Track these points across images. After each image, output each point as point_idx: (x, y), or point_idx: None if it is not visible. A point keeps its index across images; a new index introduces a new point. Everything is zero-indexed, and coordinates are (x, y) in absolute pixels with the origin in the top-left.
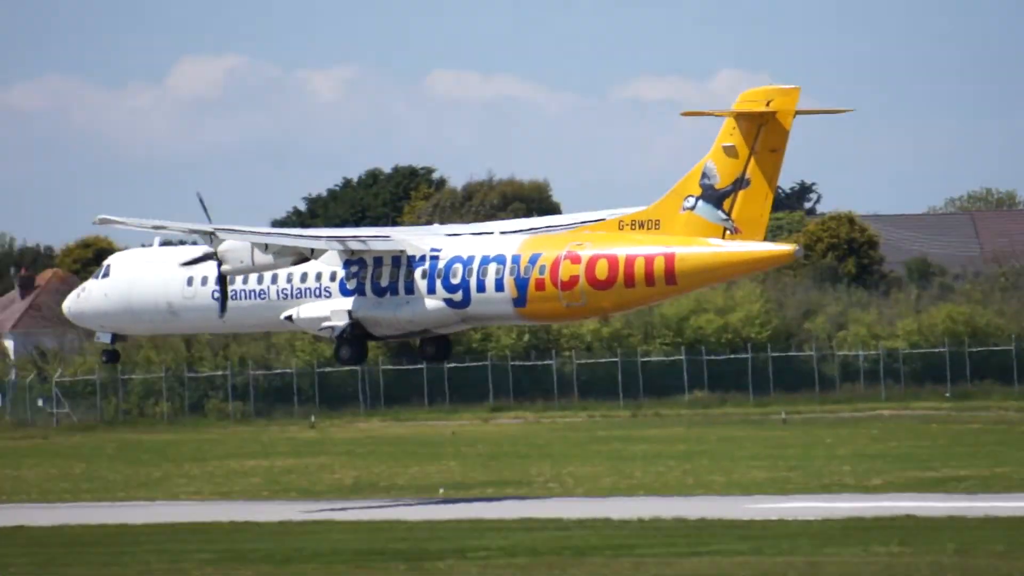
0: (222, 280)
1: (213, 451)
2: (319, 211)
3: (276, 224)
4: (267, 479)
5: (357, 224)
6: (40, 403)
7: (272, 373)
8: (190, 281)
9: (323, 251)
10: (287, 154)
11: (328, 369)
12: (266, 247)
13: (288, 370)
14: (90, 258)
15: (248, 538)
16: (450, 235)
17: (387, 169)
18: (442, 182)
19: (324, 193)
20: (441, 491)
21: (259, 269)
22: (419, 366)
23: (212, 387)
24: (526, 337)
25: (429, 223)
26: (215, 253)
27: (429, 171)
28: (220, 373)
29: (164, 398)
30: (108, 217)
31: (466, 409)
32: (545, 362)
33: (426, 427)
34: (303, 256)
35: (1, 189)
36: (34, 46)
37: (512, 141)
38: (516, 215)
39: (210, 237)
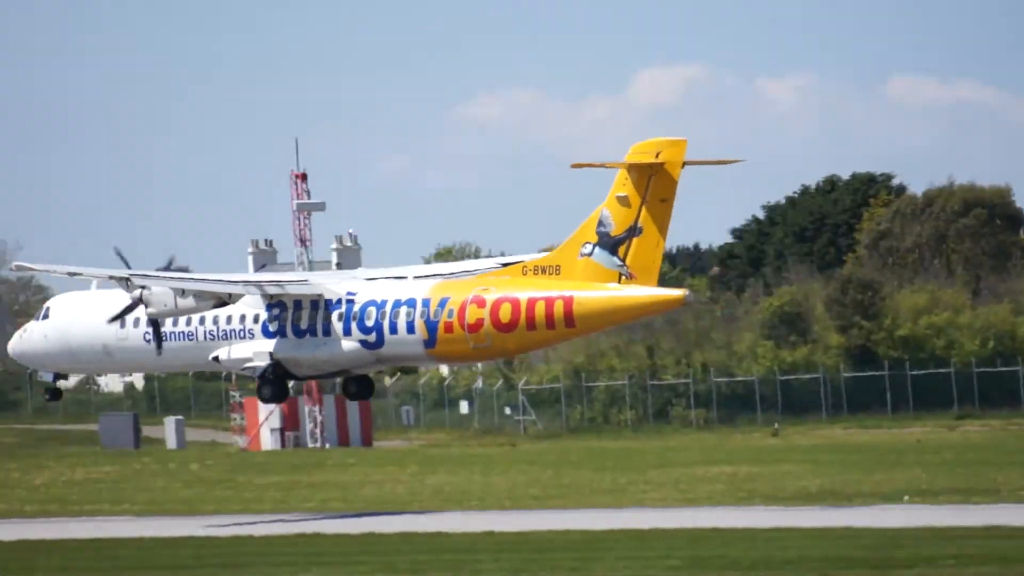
0: (154, 323)
1: (677, 458)
2: (777, 219)
3: (735, 232)
4: (731, 486)
5: (816, 231)
6: (507, 411)
7: (734, 380)
8: (123, 324)
9: (240, 295)
10: (745, 163)
11: (790, 377)
12: (183, 292)
13: (750, 377)
14: None
15: (713, 545)
16: (368, 279)
17: (845, 176)
18: (901, 189)
19: (782, 200)
20: (905, 498)
21: (182, 312)
22: (880, 373)
23: (675, 394)
24: (991, 344)
25: (887, 230)
26: (140, 299)
27: (888, 177)
28: (683, 380)
29: (628, 405)
30: (23, 264)
31: (929, 416)
32: (1011, 368)
33: (889, 434)
34: (223, 300)
35: (467, 199)
36: (498, 62)
37: (972, 146)
38: (977, 221)
39: (126, 283)
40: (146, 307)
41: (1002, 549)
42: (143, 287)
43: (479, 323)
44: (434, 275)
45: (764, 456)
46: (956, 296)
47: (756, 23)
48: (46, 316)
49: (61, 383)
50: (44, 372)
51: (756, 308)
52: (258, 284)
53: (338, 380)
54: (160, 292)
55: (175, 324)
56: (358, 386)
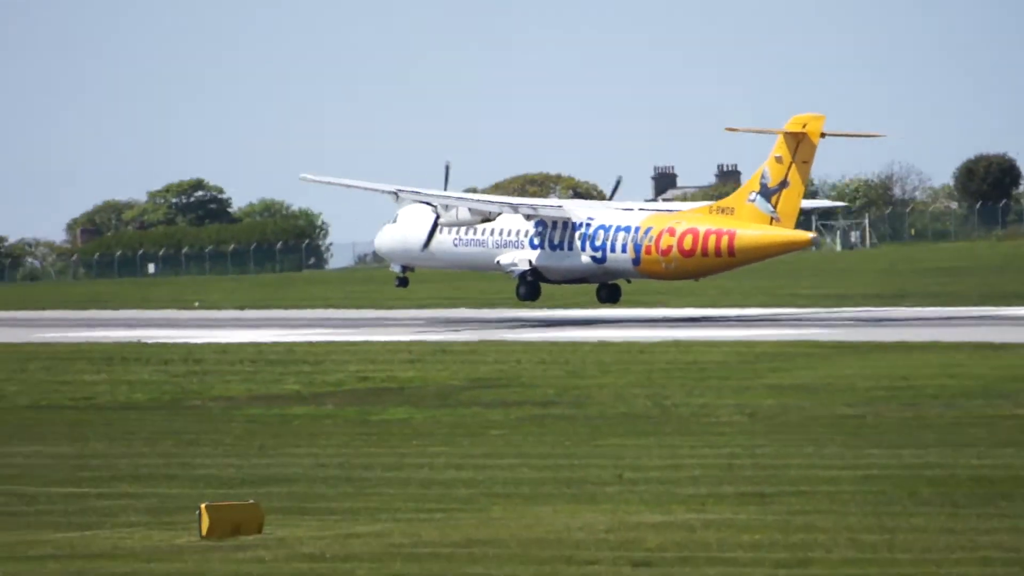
0: (434, 225)
1: None
2: None
3: None
4: None
5: None
6: None
7: None
8: (429, 237)
9: (498, 214)
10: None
11: None
12: (469, 210)
13: None
14: None
15: None
16: (606, 208)
17: None
18: None
19: None
20: None
21: (461, 224)
22: None
23: None
24: None
25: None
26: (438, 212)
27: None
28: None
29: None
30: (308, 176)
31: None
32: None
33: None
34: (487, 217)
35: None
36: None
37: None
38: None
39: (396, 195)
40: (438, 218)
41: None
42: (443, 205)
43: (669, 248)
44: (656, 209)
45: None
46: None
47: None
48: (395, 221)
49: (408, 273)
50: (394, 264)
51: None
52: (514, 206)
53: (596, 287)
54: (453, 209)
55: (469, 232)
56: (608, 292)
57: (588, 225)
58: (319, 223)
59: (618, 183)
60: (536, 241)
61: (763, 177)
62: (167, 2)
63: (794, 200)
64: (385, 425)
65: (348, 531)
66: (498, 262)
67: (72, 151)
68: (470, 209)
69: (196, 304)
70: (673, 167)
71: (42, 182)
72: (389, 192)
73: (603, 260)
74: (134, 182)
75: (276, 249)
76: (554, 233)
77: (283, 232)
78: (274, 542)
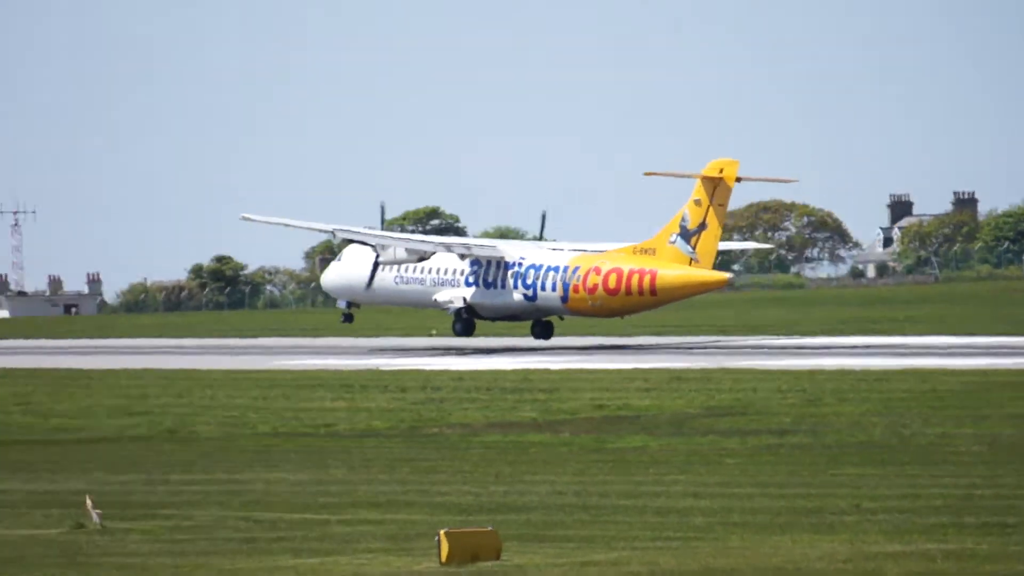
0: (375, 266)
1: None
2: None
3: None
4: None
5: None
6: None
7: None
8: (372, 276)
9: (433, 252)
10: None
11: None
12: (406, 249)
13: None
14: None
15: None
16: (537, 248)
17: None
18: None
19: None
20: None
21: (398, 262)
22: None
23: None
24: None
25: None
26: (377, 251)
27: None
28: None
29: None
30: (249, 215)
31: None
32: None
33: None
34: (423, 256)
35: None
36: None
37: None
38: None
39: (333, 235)
40: (378, 256)
41: None
42: (380, 245)
43: (595, 287)
44: (579, 249)
45: None
46: None
47: None
48: (339, 260)
49: (353, 309)
50: (340, 301)
51: None
52: (447, 245)
53: (530, 324)
54: (390, 248)
55: (408, 271)
56: (542, 328)
57: (520, 264)
58: None
59: (543, 218)
60: (471, 279)
61: (683, 219)
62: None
63: (712, 241)
64: (621, 453)
65: (585, 559)
66: (435, 299)
67: (310, 181)
68: (407, 249)
69: (432, 332)
70: (909, 194)
71: (281, 211)
72: (326, 232)
73: (534, 298)
74: (372, 210)
75: None
76: (488, 272)
77: None
78: (512, 569)
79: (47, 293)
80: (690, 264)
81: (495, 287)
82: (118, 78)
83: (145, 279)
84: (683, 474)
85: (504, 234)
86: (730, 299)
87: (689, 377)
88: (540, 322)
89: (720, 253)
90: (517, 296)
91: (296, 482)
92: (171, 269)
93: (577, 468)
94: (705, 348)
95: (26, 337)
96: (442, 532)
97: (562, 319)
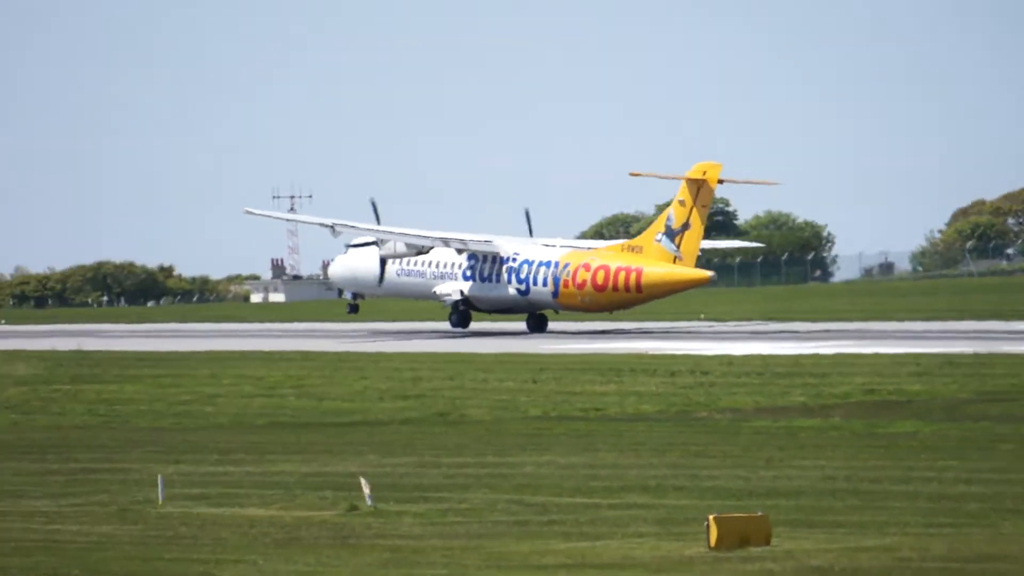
0: (382, 262)
1: None
2: None
3: None
4: None
5: None
6: None
7: None
8: (382, 269)
9: (431, 247)
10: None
11: None
12: (406, 244)
13: None
14: None
15: None
16: (531, 244)
17: None
18: None
19: None
20: None
21: (398, 256)
22: None
23: None
24: None
25: None
26: (379, 245)
27: None
28: None
29: None
30: (251, 210)
31: None
32: None
33: None
34: (420, 250)
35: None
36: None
37: None
38: None
39: (332, 229)
40: (382, 251)
41: None
42: (382, 240)
43: (583, 283)
44: (571, 246)
45: None
46: None
47: None
48: (346, 253)
49: (359, 300)
50: (347, 292)
51: None
52: (445, 240)
53: (525, 318)
54: (390, 242)
55: (409, 264)
56: (536, 322)
57: (514, 259)
58: (824, 235)
59: (528, 215)
60: (468, 273)
61: (668, 219)
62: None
63: (695, 240)
64: (892, 438)
65: (856, 544)
66: (435, 292)
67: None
68: (406, 243)
69: (701, 316)
70: None
71: (545, 198)
72: (326, 226)
73: (527, 292)
74: (642, 195)
75: (782, 261)
76: (484, 266)
77: (789, 244)
78: (782, 554)
79: (321, 277)
80: (674, 262)
81: (491, 281)
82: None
83: None
84: (956, 460)
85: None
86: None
87: (962, 362)
88: (534, 315)
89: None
90: (511, 290)
91: (566, 465)
92: None
93: (848, 453)
94: (979, 334)
95: (300, 320)
96: (711, 517)
97: (557, 313)
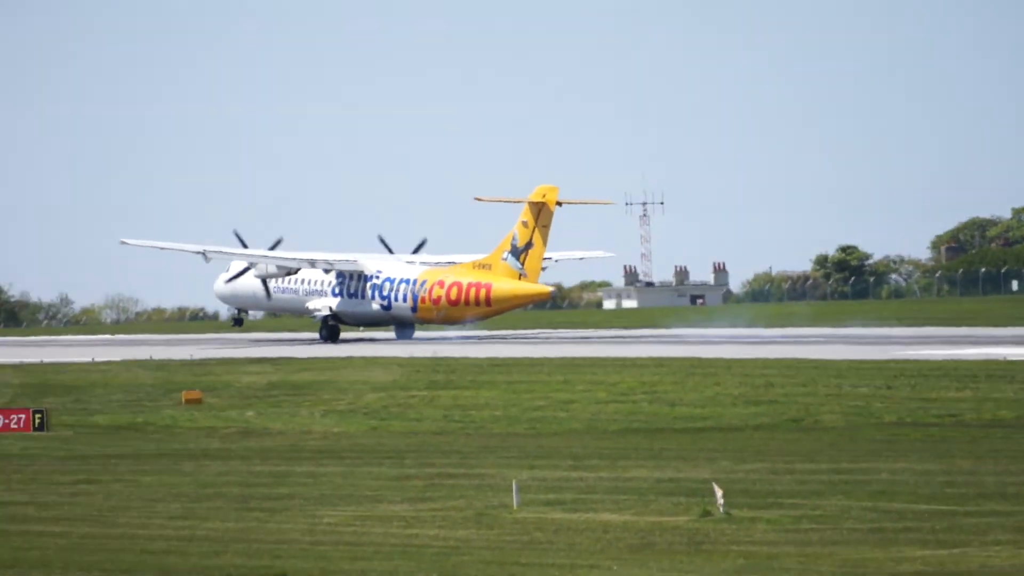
0: (263, 281)
1: None
2: None
3: None
4: None
5: None
6: None
7: None
8: (265, 284)
9: (298, 268)
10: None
11: None
12: (276, 265)
13: None
14: None
15: None
16: (394, 262)
17: None
18: None
19: None
20: None
21: (270, 276)
22: None
23: None
24: None
25: None
26: (249, 267)
27: None
28: None
29: None
30: (127, 240)
31: None
32: None
33: None
34: (290, 270)
35: None
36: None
37: None
38: None
39: (204, 255)
40: (255, 272)
41: None
42: (254, 263)
43: (439, 298)
44: (431, 263)
45: None
46: None
47: None
48: (227, 271)
49: (243, 315)
50: (230, 308)
51: None
52: (311, 261)
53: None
54: (262, 264)
55: (285, 283)
56: (402, 331)
57: (378, 277)
58: None
59: (422, 243)
60: (336, 290)
61: (513, 239)
62: None
63: (537, 258)
64: None
65: None
66: (307, 307)
67: (937, 168)
68: (276, 265)
69: None
70: None
71: (907, 200)
72: (197, 252)
73: (389, 308)
74: (998, 199)
75: None
76: (351, 284)
77: None
78: None
79: (673, 283)
80: (519, 278)
81: (356, 297)
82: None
83: (770, 268)
84: None
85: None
86: None
87: None
88: (401, 326)
89: None
90: (375, 306)
91: (922, 472)
92: (796, 259)
93: None
94: None
95: (653, 326)
96: None
97: (415, 326)
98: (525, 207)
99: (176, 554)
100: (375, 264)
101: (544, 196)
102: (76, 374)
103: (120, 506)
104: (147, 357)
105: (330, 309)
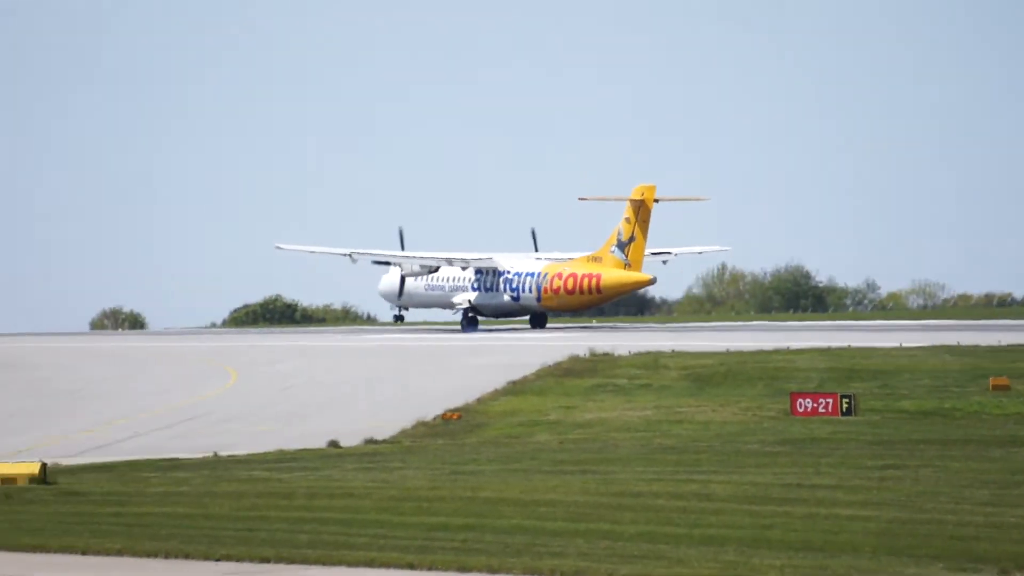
0: (402, 279)
1: None
2: None
3: None
4: None
5: None
6: None
7: None
8: (402, 285)
9: (439, 266)
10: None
11: None
12: (419, 264)
13: None
14: None
15: None
16: (526, 258)
17: None
18: None
19: None
20: None
21: (414, 274)
22: None
23: None
24: None
25: None
26: (400, 266)
27: None
28: None
29: None
30: (282, 245)
31: None
32: None
33: None
34: (432, 268)
35: None
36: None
37: None
38: None
39: (351, 257)
40: (401, 270)
41: None
42: (400, 262)
43: (558, 289)
44: (555, 259)
45: None
46: None
47: None
48: (388, 274)
49: (404, 312)
50: (392, 306)
51: None
52: (449, 260)
53: (529, 318)
54: (408, 263)
55: (434, 280)
56: (536, 319)
57: (509, 272)
58: None
59: (534, 234)
60: (475, 286)
61: (619, 234)
62: None
63: (640, 250)
64: None
65: None
66: (453, 302)
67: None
68: (420, 264)
69: None
70: None
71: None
72: (344, 255)
73: (518, 299)
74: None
75: None
76: (487, 279)
77: None
78: None
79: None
80: (625, 268)
81: (492, 291)
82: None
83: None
84: None
85: None
86: None
87: None
88: (535, 316)
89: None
90: (506, 297)
91: None
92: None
93: None
94: None
95: None
96: None
97: (547, 316)
98: (627, 204)
99: (986, 541)
100: (507, 261)
101: (643, 194)
102: (883, 359)
103: (928, 491)
104: (954, 343)
105: (469, 302)
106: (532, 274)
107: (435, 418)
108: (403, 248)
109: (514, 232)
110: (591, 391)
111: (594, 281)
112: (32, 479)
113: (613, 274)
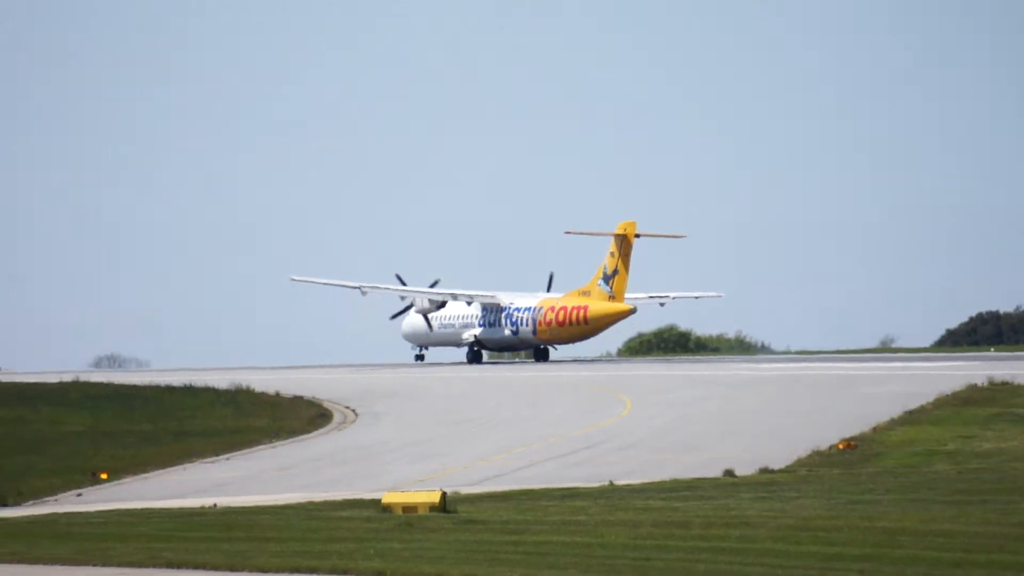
0: (424, 315)
1: None
2: None
3: None
4: None
5: None
6: None
7: None
8: (430, 322)
9: (445, 301)
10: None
11: None
12: (429, 300)
13: None
14: None
15: None
16: (527, 295)
17: None
18: None
19: None
20: None
21: (425, 310)
22: None
23: None
24: None
25: None
26: (412, 304)
27: None
28: None
29: None
30: (296, 277)
31: None
32: None
33: None
34: (440, 303)
35: None
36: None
37: None
38: None
39: (361, 290)
40: (414, 307)
41: None
42: (411, 297)
43: (550, 321)
44: (547, 295)
45: None
46: None
47: None
48: (407, 316)
49: (424, 352)
50: (413, 347)
51: None
52: (454, 295)
53: (532, 352)
54: (419, 299)
55: (444, 319)
56: (538, 354)
57: (509, 308)
58: None
59: (551, 277)
60: (480, 321)
61: (604, 268)
62: None
63: (622, 282)
64: None
65: None
66: (462, 338)
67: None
68: (429, 300)
69: None
70: None
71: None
72: (354, 288)
73: (517, 332)
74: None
75: None
76: (490, 315)
77: None
78: None
79: None
80: (609, 300)
81: (494, 326)
82: None
83: None
84: None
85: None
86: None
87: None
88: (538, 350)
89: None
90: (507, 332)
91: None
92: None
93: None
94: None
95: None
96: None
97: (556, 348)
98: (611, 239)
99: None
100: (508, 297)
101: (625, 230)
102: None
103: None
104: None
105: (474, 337)
106: (529, 308)
107: (831, 447)
108: (403, 285)
109: (521, 271)
110: (990, 420)
111: (582, 313)
112: (432, 507)
113: (599, 306)
